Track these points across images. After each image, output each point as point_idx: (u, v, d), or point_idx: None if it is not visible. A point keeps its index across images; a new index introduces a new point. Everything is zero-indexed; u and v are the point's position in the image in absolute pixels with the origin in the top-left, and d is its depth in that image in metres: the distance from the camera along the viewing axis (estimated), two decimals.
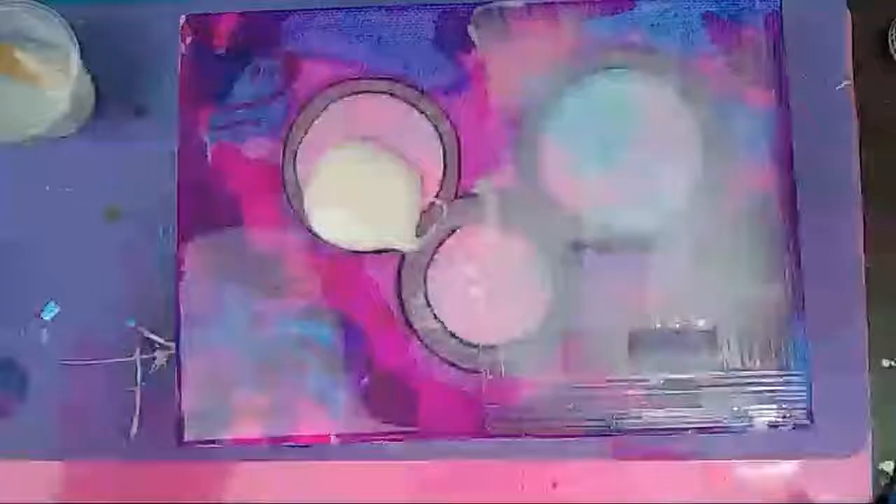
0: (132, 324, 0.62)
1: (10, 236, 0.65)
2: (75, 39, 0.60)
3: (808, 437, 0.51)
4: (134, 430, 0.61)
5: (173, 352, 0.53)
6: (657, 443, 0.64)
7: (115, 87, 0.66)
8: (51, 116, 0.60)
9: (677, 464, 0.64)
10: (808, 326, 0.52)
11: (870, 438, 0.64)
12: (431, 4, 0.54)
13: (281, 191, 0.53)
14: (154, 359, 0.64)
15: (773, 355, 0.51)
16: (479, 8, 0.54)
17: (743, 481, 0.64)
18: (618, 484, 0.64)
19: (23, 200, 0.66)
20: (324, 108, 0.54)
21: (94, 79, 0.65)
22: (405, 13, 0.54)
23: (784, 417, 0.51)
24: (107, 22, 0.66)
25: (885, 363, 0.64)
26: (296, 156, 0.53)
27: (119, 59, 0.66)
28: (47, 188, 0.66)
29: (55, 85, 0.62)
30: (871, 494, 0.64)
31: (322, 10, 0.54)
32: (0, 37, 0.61)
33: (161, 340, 0.64)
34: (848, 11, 0.63)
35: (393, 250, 0.53)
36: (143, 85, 0.66)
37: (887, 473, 0.64)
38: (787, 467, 0.64)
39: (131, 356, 0.64)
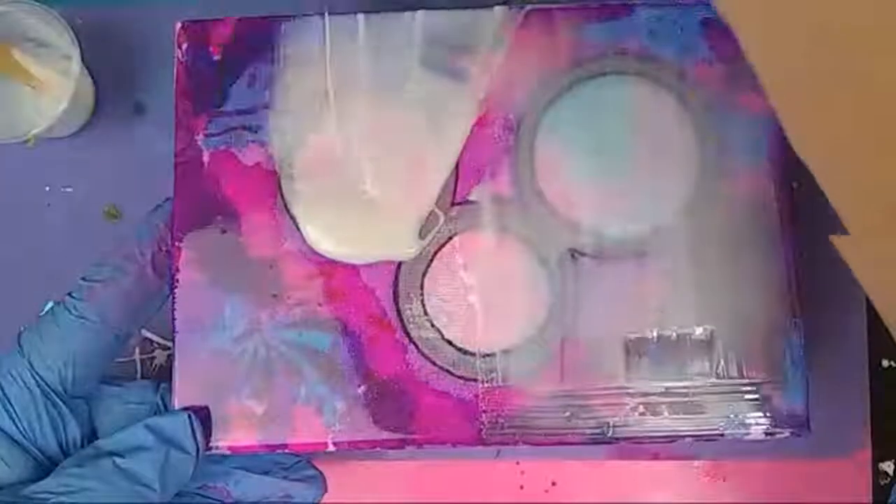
0: None
1: (10, 236, 0.66)
2: (75, 40, 0.60)
3: (809, 438, 0.51)
4: None
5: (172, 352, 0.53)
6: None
7: (115, 87, 0.66)
8: (51, 116, 0.60)
9: (677, 464, 0.64)
10: (807, 327, 0.52)
11: (870, 438, 0.64)
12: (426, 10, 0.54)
13: (278, 197, 0.53)
14: (154, 358, 0.65)
15: (770, 363, 0.51)
16: (475, 14, 0.54)
17: (743, 481, 0.64)
18: (618, 484, 0.65)
19: (23, 200, 0.66)
20: None
21: (93, 79, 0.66)
22: None
23: (780, 426, 0.51)
24: (106, 22, 0.66)
25: (885, 363, 0.64)
26: (293, 163, 0.53)
27: (119, 59, 0.66)
28: (47, 188, 0.66)
29: (55, 85, 0.62)
30: (871, 494, 0.64)
31: (319, 15, 0.54)
32: (0, 37, 0.61)
33: (160, 340, 0.64)
34: None
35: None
36: (143, 85, 0.66)
37: (887, 473, 0.64)
38: (786, 467, 0.64)
39: (131, 356, 0.65)
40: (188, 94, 0.54)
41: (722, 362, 0.51)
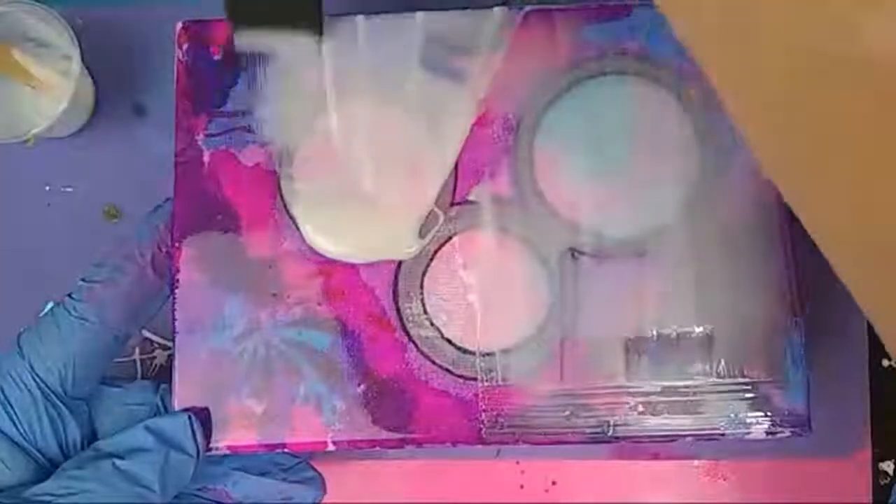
0: None
1: (10, 236, 0.66)
2: (76, 40, 0.60)
3: (809, 438, 0.51)
4: None
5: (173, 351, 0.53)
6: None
7: (115, 88, 0.66)
8: (51, 116, 0.60)
9: (677, 464, 0.64)
10: (807, 327, 0.52)
11: (870, 438, 0.64)
12: (425, 10, 0.54)
13: (277, 197, 0.53)
14: (154, 358, 0.65)
15: (770, 362, 0.51)
16: (475, 14, 0.54)
17: (743, 481, 0.64)
18: (618, 484, 0.65)
19: (23, 200, 0.66)
20: None
21: (93, 79, 0.66)
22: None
23: (781, 425, 0.51)
24: (107, 22, 0.66)
25: (885, 363, 0.64)
26: (293, 162, 0.53)
27: (119, 60, 0.66)
28: (47, 188, 0.66)
29: (55, 85, 0.62)
30: (871, 494, 0.64)
31: None
32: (0, 37, 0.61)
33: (161, 340, 0.64)
34: None
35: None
36: (143, 85, 0.66)
37: (887, 473, 0.64)
38: (786, 467, 0.64)
39: (131, 356, 0.65)
40: (188, 94, 0.54)
41: (722, 362, 0.51)
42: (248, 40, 0.52)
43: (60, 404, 0.50)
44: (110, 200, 0.66)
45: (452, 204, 0.53)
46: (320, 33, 0.53)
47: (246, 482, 0.56)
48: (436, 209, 0.53)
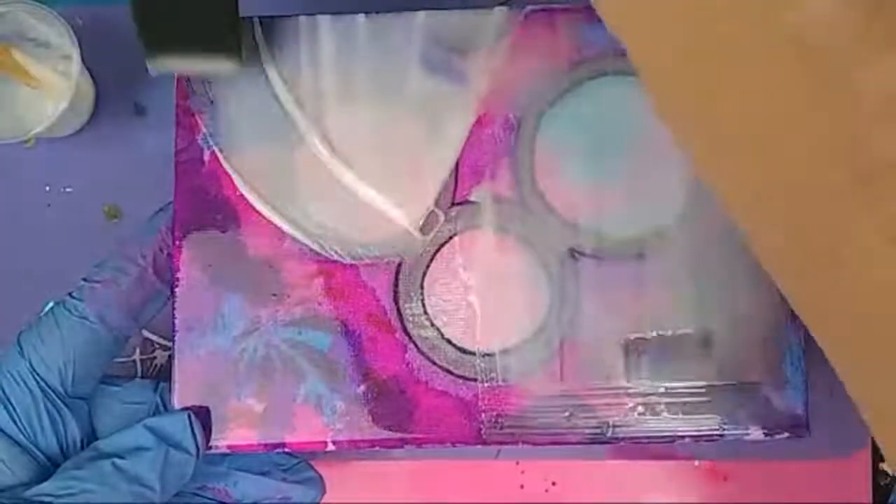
0: None
1: (10, 236, 0.66)
2: (75, 40, 0.60)
3: (808, 438, 0.51)
4: None
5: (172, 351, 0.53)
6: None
7: (115, 87, 0.66)
8: (51, 116, 0.60)
9: (677, 464, 0.64)
10: (806, 327, 0.51)
11: (870, 438, 0.64)
12: (426, 10, 0.54)
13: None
14: (154, 358, 0.65)
15: (769, 364, 0.51)
16: (475, 14, 0.54)
17: (743, 481, 0.64)
18: (618, 484, 0.65)
19: (23, 200, 0.66)
20: None
21: (93, 79, 0.65)
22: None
23: (780, 426, 0.51)
24: (107, 22, 0.66)
25: None
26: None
27: (119, 59, 0.66)
28: (47, 188, 0.66)
29: (55, 85, 0.62)
30: (871, 494, 0.64)
31: (319, 15, 0.54)
32: (0, 37, 0.61)
33: (161, 340, 0.64)
34: None
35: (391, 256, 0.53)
36: (143, 85, 0.66)
37: (887, 473, 0.64)
38: (786, 467, 0.64)
39: (131, 356, 0.64)
40: (188, 93, 0.54)
41: (721, 362, 0.51)
42: (163, 67, 0.50)
43: (61, 403, 0.50)
44: (110, 200, 0.66)
45: (453, 204, 0.53)
46: (241, 60, 0.51)
47: (246, 482, 0.56)
48: (436, 209, 0.53)
